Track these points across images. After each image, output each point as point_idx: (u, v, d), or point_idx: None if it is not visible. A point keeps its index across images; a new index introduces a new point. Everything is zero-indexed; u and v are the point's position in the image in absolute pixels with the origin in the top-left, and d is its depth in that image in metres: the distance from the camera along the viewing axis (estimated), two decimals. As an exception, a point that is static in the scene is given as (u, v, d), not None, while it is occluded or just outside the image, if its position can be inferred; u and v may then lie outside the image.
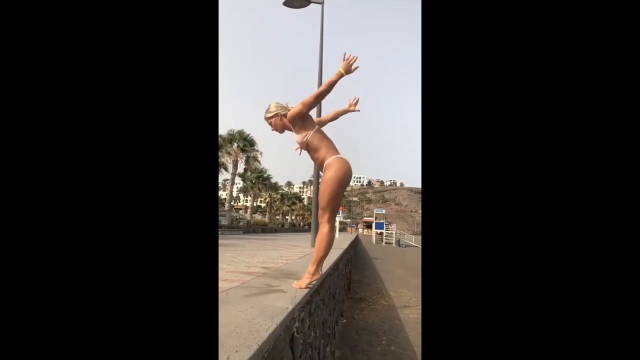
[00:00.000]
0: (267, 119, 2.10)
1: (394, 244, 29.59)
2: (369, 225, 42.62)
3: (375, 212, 37.40)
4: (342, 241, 9.49)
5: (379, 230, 32.63)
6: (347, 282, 6.85)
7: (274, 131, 2.12)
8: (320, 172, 2.13)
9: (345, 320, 4.89)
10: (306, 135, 1.98)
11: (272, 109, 2.08)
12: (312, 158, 2.05)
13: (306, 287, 1.91)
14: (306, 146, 2.01)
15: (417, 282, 9.16)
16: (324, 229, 1.97)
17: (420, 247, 30.12)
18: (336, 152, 2.00)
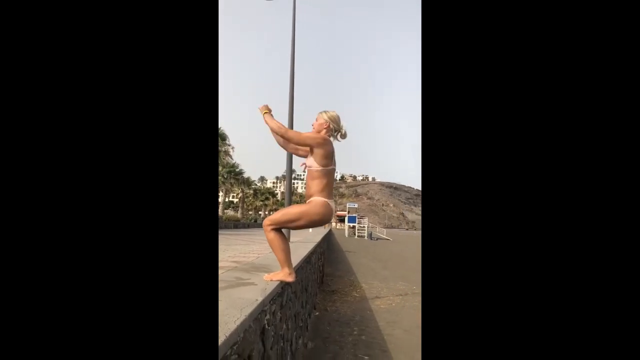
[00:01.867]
0: (320, 120, 1.94)
1: (366, 237, 30.14)
2: (342, 219, 43.14)
3: (347, 206, 37.89)
4: (315, 235, 9.55)
5: (351, 224, 33.13)
6: (320, 275, 6.92)
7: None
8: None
9: (318, 313, 4.94)
10: (325, 169, 1.87)
11: (329, 118, 1.93)
12: (307, 180, 1.95)
13: (277, 280, 1.90)
14: (314, 174, 1.88)
15: (388, 273, 9.41)
16: (268, 235, 1.87)
17: (390, 239, 30.92)
18: (330, 195, 1.90)
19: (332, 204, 1.89)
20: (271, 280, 1.89)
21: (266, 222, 1.87)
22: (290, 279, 1.93)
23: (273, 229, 1.86)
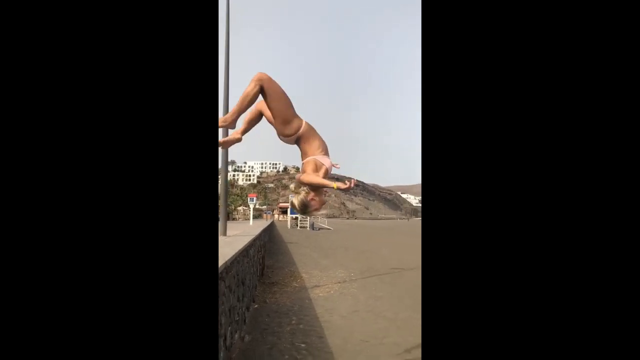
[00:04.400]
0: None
1: (308, 228, 30.57)
2: (284, 211, 43.15)
3: (290, 197, 37.92)
4: (255, 228, 9.42)
5: (293, 216, 33.31)
6: (259, 268, 6.86)
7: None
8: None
9: (256, 305, 4.92)
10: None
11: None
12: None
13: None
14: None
15: (328, 262, 9.68)
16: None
17: (332, 229, 31.78)
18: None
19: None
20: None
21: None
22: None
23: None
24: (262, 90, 1.59)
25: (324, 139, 1.74)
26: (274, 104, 1.62)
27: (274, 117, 1.66)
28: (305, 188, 1.70)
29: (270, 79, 1.60)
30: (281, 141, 1.74)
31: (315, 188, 1.67)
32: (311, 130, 1.71)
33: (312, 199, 1.69)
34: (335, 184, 1.63)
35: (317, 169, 1.68)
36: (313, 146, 1.70)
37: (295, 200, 1.71)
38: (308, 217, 33.53)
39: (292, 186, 1.83)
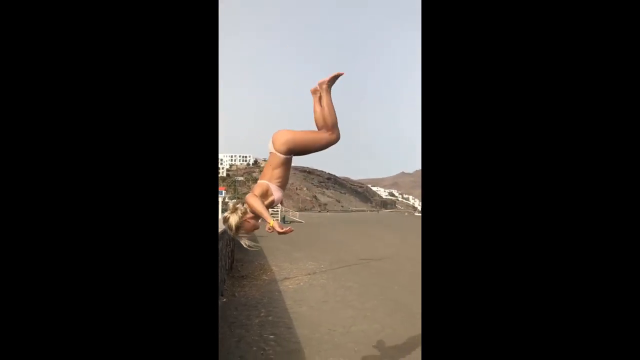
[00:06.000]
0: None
1: (279, 221, 30.46)
2: (255, 204, 42.55)
3: (225, 214, 37.38)
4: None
5: (265, 209, 32.95)
6: (229, 262, 6.78)
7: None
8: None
9: (225, 299, 4.87)
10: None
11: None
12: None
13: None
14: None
15: (299, 255, 9.73)
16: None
17: (303, 222, 31.85)
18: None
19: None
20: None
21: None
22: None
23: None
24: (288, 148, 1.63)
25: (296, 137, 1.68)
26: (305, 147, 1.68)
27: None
28: (244, 207, 1.68)
29: (293, 139, 1.63)
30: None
31: (253, 212, 1.66)
32: (289, 161, 1.70)
33: (246, 221, 1.67)
34: (272, 222, 1.63)
35: (265, 195, 1.66)
36: (276, 173, 1.69)
37: (232, 218, 1.67)
38: (279, 211, 33.42)
39: (230, 204, 1.81)
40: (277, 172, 1.69)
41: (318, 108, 1.68)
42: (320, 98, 1.68)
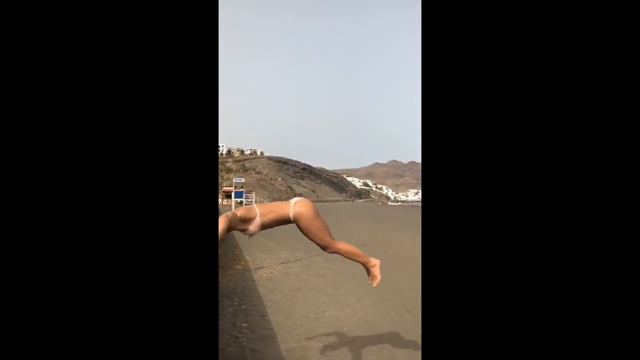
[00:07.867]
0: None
1: (254, 212, 30.22)
2: (228, 195, 41.97)
3: (234, 181, 37.03)
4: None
5: (238, 199, 32.60)
6: (201, 253, 6.69)
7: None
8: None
9: (197, 290, 4.83)
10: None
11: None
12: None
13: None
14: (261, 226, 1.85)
15: (273, 244, 9.73)
16: (339, 249, 1.98)
17: (279, 212, 31.72)
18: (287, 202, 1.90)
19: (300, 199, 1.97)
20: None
21: (326, 246, 1.97)
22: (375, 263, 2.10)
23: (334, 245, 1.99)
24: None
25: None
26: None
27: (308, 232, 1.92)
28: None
29: (315, 218, 1.89)
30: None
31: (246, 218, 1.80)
32: (288, 222, 1.89)
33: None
34: (223, 238, 1.73)
35: (247, 221, 1.78)
36: (271, 217, 1.83)
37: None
38: (254, 201, 33.13)
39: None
40: (272, 218, 1.84)
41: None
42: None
